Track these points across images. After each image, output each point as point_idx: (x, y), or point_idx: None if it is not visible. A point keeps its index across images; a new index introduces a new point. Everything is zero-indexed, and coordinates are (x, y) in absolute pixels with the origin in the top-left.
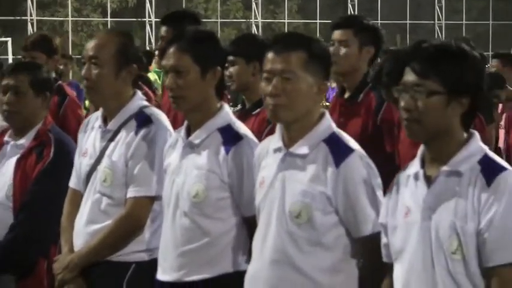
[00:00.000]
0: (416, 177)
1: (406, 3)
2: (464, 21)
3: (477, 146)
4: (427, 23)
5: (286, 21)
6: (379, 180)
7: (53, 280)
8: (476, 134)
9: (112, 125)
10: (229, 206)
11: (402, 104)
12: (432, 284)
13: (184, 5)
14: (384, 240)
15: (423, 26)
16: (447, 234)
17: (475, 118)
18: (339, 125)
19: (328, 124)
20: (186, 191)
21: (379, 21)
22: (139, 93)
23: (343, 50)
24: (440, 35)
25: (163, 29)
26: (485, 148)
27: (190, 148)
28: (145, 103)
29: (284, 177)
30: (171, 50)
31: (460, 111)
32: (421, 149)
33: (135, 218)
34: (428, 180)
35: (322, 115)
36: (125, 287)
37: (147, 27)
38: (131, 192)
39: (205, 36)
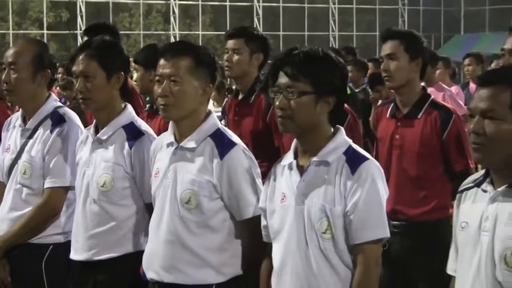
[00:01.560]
0: (290, 167)
1: (305, 17)
2: (354, 33)
3: (342, 139)
4: (322, 34)
5: (200, 33)
6: (258, 170)
7: None
8: (342, 129)
9: (30, 124)
10: (133, 194)
11: (277, 103)
12: (306, 260)
13: (111, 19)
14: (263, 222)
15: (319, 36)
16: (318, 217)
17: (343, 115)
18: (234, 123)
19: (214, 121)
20: (95, 181)
21: (281, 33)
22: (53, 95)
23: (236, 57)
24: (334, 44)
25: (85, 39)
26: (350, 141)
27: (99, 143)
28: (59, 104)
29: (176, 168)
30: (80, 57)
31: (327, 109)
32: (294, 142)
33: (52, 205)
34: (301, 170)
35: (208, 114)
36: (44, 265)
37: (79, 38)
38: (48, 183)
39: (110, 44)
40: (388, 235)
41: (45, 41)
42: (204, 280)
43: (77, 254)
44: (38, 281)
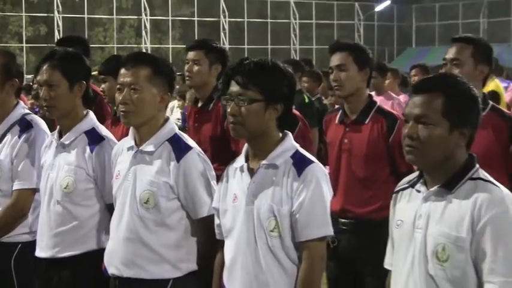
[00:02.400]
0: (241, 169)
1: (268, 32)
2: (314, 46)
3: (290, 143)
4: (284, 47)
5: (170, 46)
6: (213, 172)
7: None
8: (290, 134)
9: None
10: (94, 195)
11: (229, 110)
12: (255, 257)
13: (86, 33)
14: (216, 221)
15: (282, 49)
16: (266, 216)
17: (292, 121)
18: (194, 129)
19: (171, 127)
20: (59, 183)
21: (246, 46)
22: (21, 102)
23: (196, 68)
24: (295, 56)
25: None
26: (297, 145)
27: (62, 148)
28: (27, 111)
29: (135, 170)
30: (44, 67)
31: (276, 116)
32: (245, 146)
33: (20, 206)
34: (251, 172)
35: (166, 120)
36: (13, 263)
37: None
38: (16, 186)
39: (73, 55)
40: (332, 233)
41: (24, 53)
42: (162, 275)
43: (42, 251)
44: (8, 278)
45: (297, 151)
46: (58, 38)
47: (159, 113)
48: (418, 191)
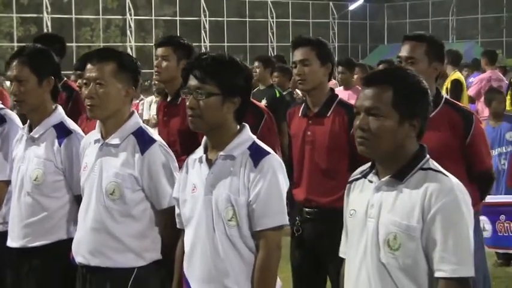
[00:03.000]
0: (200, 160)
1: (246, 30)
2: (290, 44)
3: (247, 135)
4: (262, 45)
5: (153, 44)
6: (176, 164)
7: None
8: (247, 126)
9: None
10: (63, 187)
11: (188, 103)
12: (214, 245)
13: (74, 33)
14: (177, 210)
15: (260, 47)
16: (224, 206)
17: (246, 114)
18: (164, 123)
19: (136, 120)
20: (29, 175)
21: (225, 44)
22: None
23: (164, 63)
24: (272, 53)
25: None
26: (254, 137)
27: (32, 141)
28: (1, 106)
29: (102, 162)
30: (14, 63)
31: (233, 109)
32: (204, 138)
33: None
34: (210, 163)
35: (131, 113)
36: None
37: None
38: None
39: (42, 51)
40: (287, 222)
41: None
42: (127, 264)
43: (13, 241)
44: None
45: (253, 143)
46: None
47: (124, 107)
48: (370, 181)
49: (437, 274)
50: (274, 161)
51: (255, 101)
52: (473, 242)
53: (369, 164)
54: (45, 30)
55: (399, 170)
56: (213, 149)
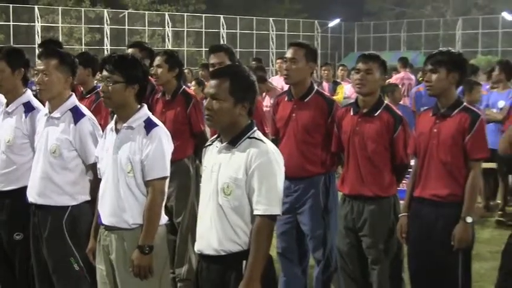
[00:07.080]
0: (111, 129)
1: (254, 40)
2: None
3: (144, 112)
4: (265, 50)
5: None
6: (100, 132)
7: None
8: (145, 106)
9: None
10: (28, 147)
11: (101, 89)
12: (117, 190)
13: (127, 40)
14: (98, 165)
15: (263, 52)
16: (125, 162)
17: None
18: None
19: (73, 101)
20: (3, 139)
21: (238, 49)
22: None
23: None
24: (273, 58)
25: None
26: (149, 113)
27: (7, 114)
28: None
29: (48, 130)
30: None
31: (134, 93)
32: (115, 116)
33: None
34: (117, 131)
35: (70, 95)
36: None
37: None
38: None
39: (14, 50)
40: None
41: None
42: (64, 203)
43: None
44: None
45: (148, 118)
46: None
47: (65, 91)
48: (216, 147)
49: (255, 212)
50: (161, 131)
51: (187, 89)
52: (282, 191)
53: (217, 134)
54: (105, 38)
55: (233, 138)
56: (119, 121)
